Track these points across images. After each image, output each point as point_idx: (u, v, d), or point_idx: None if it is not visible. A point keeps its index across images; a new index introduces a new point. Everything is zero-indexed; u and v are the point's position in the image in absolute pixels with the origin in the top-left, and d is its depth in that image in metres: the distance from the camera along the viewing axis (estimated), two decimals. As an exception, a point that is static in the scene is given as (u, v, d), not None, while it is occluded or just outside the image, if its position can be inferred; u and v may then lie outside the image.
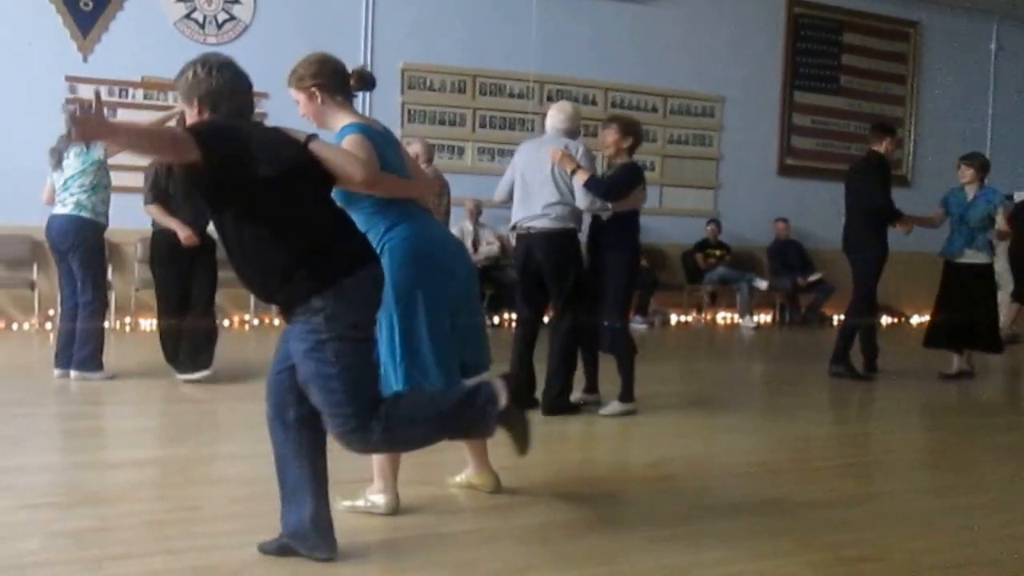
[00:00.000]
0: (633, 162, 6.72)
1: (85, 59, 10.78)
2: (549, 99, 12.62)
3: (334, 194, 3.73)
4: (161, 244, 7.44)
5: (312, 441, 3.57)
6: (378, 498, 4.15)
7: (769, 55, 14.38)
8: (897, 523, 4.41)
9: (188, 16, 11.13)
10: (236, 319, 11.09)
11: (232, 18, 11.25)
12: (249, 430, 4.32)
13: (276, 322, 10.11)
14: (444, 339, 4.08)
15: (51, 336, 9.87)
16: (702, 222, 13.69)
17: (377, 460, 4.13)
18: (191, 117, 3.52)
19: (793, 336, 13.06)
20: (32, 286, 10.45)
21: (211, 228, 7.20)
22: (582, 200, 6.41)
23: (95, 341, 7.27)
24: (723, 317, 13.80)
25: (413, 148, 9.01)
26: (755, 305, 13.54)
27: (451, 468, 4.69)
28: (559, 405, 6.51)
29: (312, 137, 3.63)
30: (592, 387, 6.85)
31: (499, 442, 5.10)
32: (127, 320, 10.66)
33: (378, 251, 3.80)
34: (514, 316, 11.87)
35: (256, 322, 11.04)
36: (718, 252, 13.57)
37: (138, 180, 7.74)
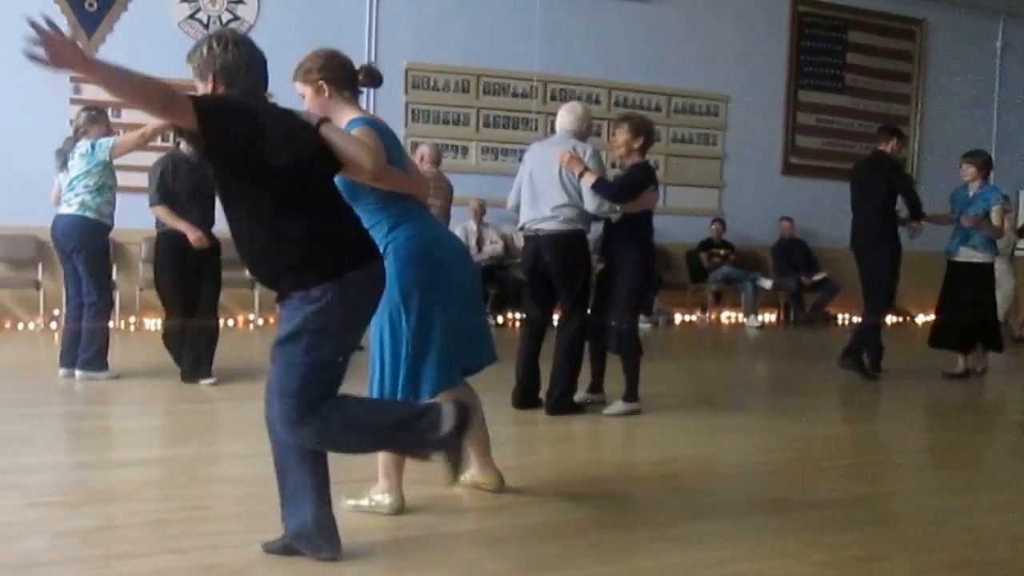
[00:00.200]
0: (644, 162, 6.69)
1: (90, 59, 10.78)
2: (553, 98, 12.65)
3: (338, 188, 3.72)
4: (167, 246, 7.37)
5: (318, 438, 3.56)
6: (382, 498, 4.16)
7: (774, 54, 14.38)
8: (902, 523, 4.41)
9: (192, 16, 11.15)
10: (240, 319, 11.11)
11: (236, 18, 11.26)
12: (253, 429, 4.30)
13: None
14: (448, 340, 4.09)
15: (56, 336, 9.89)
16: (706, 221, 13.69)
17: (382, 460, 4.13)
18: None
19: (798, 335, 13.05)
20: (37, 286, 10.47)
21: (216, 229, 7.24)
22: (590, 202, 6.40)
23: (100, 341, 7.28)
24: (727, 316, 13.80)
25: (421, 150, 9.05)
26: (760, 304, 13.54)
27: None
28: (563, 405, 6.51)
29: (324, 121, 3.60)
30: (597, 387, 6.86)
31: (502, 441, 5.12)
32: (132, 320, 10.69)
33: (382, 250, 3.80)
34: (518, 315, 12.00)
35: (260, 322, 11.06)
36: (722, 251, 13.57)
37: (143, 180, 7.73)
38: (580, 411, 6.57)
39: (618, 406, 6.58)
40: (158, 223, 7.43)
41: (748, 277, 13.43)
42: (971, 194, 8.65)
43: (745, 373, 9.71)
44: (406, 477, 4.19)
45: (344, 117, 3.99)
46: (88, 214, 7.21)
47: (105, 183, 7.28)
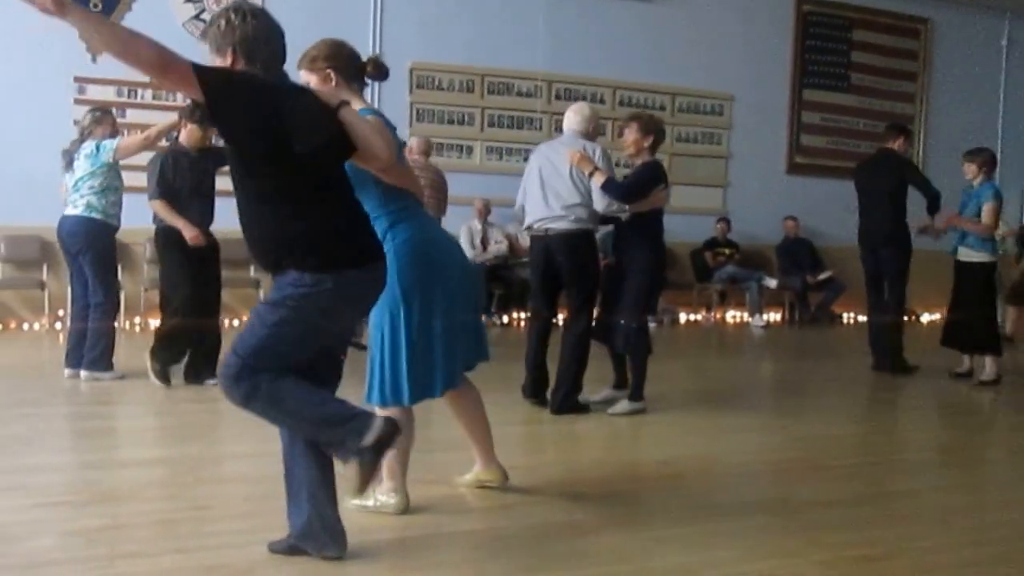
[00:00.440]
0: (654, 161, 6.68)
1: (94, 60, 10.79)
2: (558, 98, 12.65)
3: None
4: (168, 241, 7.19)
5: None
6: (388, 497, 4.16)
7: (778, 53, 14.36)
8: (906, 522, 4.40)
9: (197, 17, 11.15)
10: (244, 319, 11.10)
11: (241, 18, 11.25)
12: (258, 429, 4.29)
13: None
14: (448, 340, 4.09)
15: (61, 336, 9.90)
16: (711, 220, 13.68)
17: (387, 459, 4.13)
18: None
19: (803, 335, 13.04)
20: (42, 286, 10.49)
21: (213, 228, 7.23)
22: (599, 202, 6.40)
23: (106, 341, 7.29)
24: (733, 316, 13.79)
25: (410, 142, 9.06)
26: (765, 304, 13.52)
27: (460, 468, 4.69)
28: (568, 404, 6.51)
29: (343, 104, 3.57)
30: (623, 382, 6.83)
31: (507, 441, 5.12)
32: (136, 320, 10.70)
33: None
34: (523, 315, 12.01)
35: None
36: (727, 251, 13.56)
37: (145, 180, 7.71)
38: (585, 411, 6.57)
39: (623, 405, 6.58)
40: (156, 218, 7.24)
41: (753, 276, 13.41)
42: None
43: (750, 373, 9.71)
44: (410, 477, 4.19)
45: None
46: (94, 215, 7.21)
47: (110, 184, 7.28)
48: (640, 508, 4.61)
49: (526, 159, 6.85)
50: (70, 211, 7.25)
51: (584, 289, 6.50)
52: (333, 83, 3.93)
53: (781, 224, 14.03)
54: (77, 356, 7.30)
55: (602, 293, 6.75)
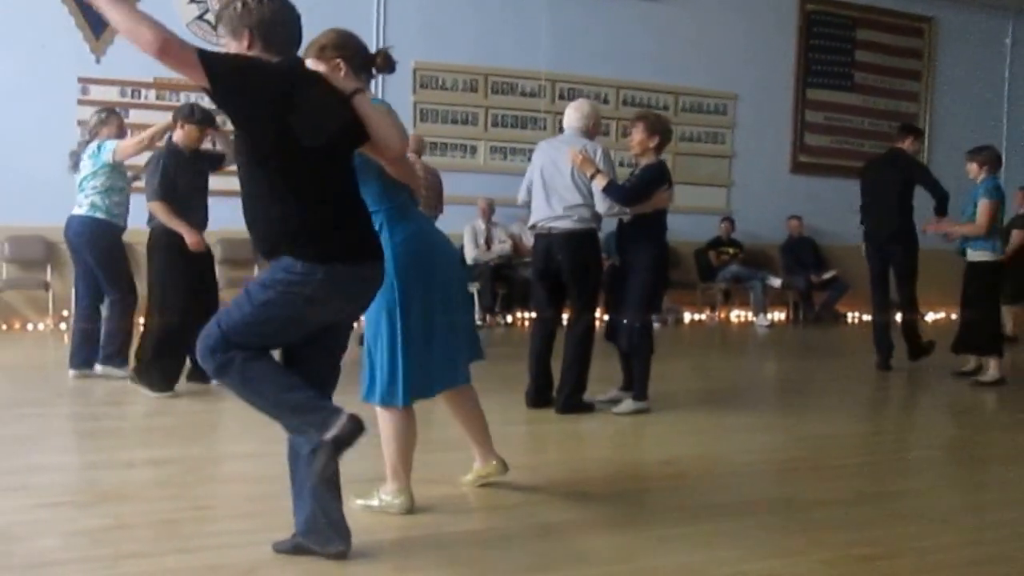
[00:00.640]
0: (659, 162, 6.65)
1: (98, 60, 10.83)
2: (561, 97, 12.65)
3: None
4: (166, 244, 6.92)
5: None
6: (392, 497, 4.16)
7: (782, 52, 14.36)
8: (910, 521, 4.40)
9: (200, 17, 11.17)
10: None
11: (244, 19, 11.26)
12: (262, 429, 4.30)
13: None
14: (444, 340, 4.09)
15: (65, 337, 9.91)
16: (715, 220, 13.68)
17: (390, 459, 4.13)
18: (238, 51, 3.42)
19: (807, 334, 13.03)
20: (46, 287, 10.50)
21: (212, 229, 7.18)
22: (601, 205, 6.39)
23: (121, 338, 7.29)
24: (737, 315, 13.79)
25: None
26: (769, 303, 13.52)
27: (463, 467, 4.69)
28: (572, 404, 6.51)
29: (358, 91, 3.56)
30: (630, 383, 6.82)
31: (512, 440, 5.13)
32: (140, 321, 10.69)
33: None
34: (527, 315, 12.00)
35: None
36: (731, 250, 13.55)
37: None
38: (590, 410, 6.56)
39: (627, 405, 6.57)
40: (150, 219, 7.01)
41: (757, 276, 13.41)
42: None
43: (754, 372, 9.71)
44: (415, 476, 4.19)
45: None
46: (98, 215, 7.23)
47: (114, 184, 7.29)
48: (643, 507, 4.61)
49: (530, 159, 6.84)
50: (76, 211, 7.28)
51: (586, 288, 6.49)
52: (342, 73, 3.86)
53: (785, 223, 14.03)
54: (81, 356, 7.31)
55: (607, 293, 6.74)
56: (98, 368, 7.25)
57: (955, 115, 15.03)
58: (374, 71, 3.97)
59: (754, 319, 13.44)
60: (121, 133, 7.46)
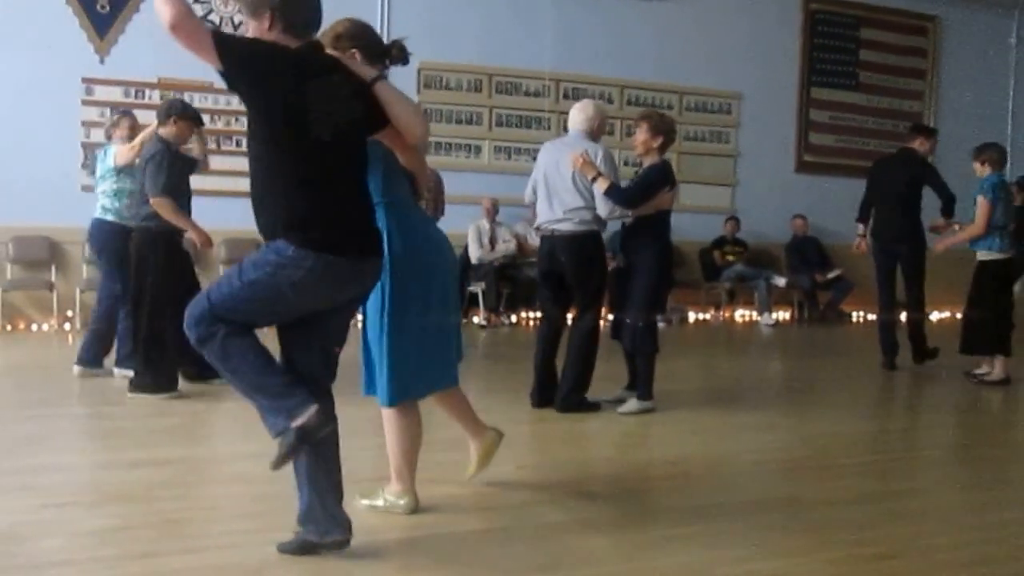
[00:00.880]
0: (662, 163, 6.63)
1: (102, 61, 10.84)
2: (565, 97, 12.65)
3: None
4: (163, 242, 6.80)
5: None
6: (396, 497, 4.16)
7: (786, 51, 14.35)
8: (915, 520, 4.40)
9: (204, 17, 11.16)
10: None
11: (248, 19, 11.27)
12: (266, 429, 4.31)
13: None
14: (439, 339, 4.08)
15: (70, 337, 9.95)
16: (719, 219, 13.66)
17: (395, 459, 4.13)
18: (257, 33, 3.42)
19: (812, 333, 13.01)
20: (50, 287, 10.49)
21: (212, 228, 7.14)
22: (602, 208, 6.38)
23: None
24: (741, 314, 13.77)
25: None
26: (773, 302, 13.50)
27: (467, 468, 4.69)
28: (572, 403, 6.50)
29: (379, 78, 3.57)
30: (634, 384, 6.81)
31: (516, 440, 5.12)
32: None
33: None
34: (531, 315, 12.02)
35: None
36: (733, 254, 13.51)
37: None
38: (593, 409, 6.56)
39: (632, 404, 6.57)
40: (142, 216, 6.84)
41: (761, 275, 13.39)
42: None
43: (759, 371, 9.69)
44: (419, 476, 4.19)
45: None
46: (108, 217, 7.27)
47: (123, 187, 7.32)
48: (648, 507, 4.61)
49: (534, 158, 6.84)
50: (95, 213, 7.36)
51: (590, 288, 6.49)
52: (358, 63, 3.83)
53: (789, 222, 14.01)
54: (89, 355, 7.33)
55: (611, 293, 6.74)
56: (115, 371, 7.25)
57: (960, 114, 15.00)
58: (388, 62, 3.95)
59: (758, 318, 13.42)
60: (133, 134, 7.47)
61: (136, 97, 10.90)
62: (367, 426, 4.75)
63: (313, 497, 3.56)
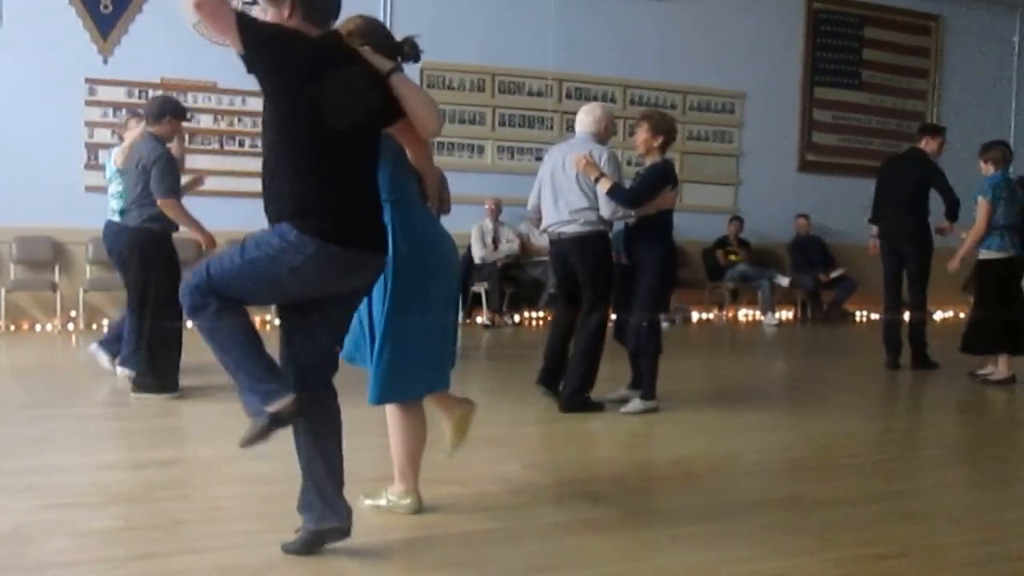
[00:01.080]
0: (664, 161, 6.65)
1: (105, 61, 10.84)
2: (568, 97, 12.66)
3: None
4: (160, 242, 6.85)
5: (319, 415, 3.59)
6: (400, 497, 4.16)
7: (789, 51, 14.34)
8: (920, 520, 4.39)
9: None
10: (257, 319, 11.11)
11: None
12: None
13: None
14: (438, 340, 4.07)
15: (73, 337, 9.96)
16: (723, 219, 13.66)
17: (398, 459, 4.13)
18: (276, 20, 3.41)
19: (816, 333, 13.01)
20: (54, 287, 10.50)
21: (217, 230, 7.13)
22: (605, 208, 6.40)
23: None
24: (745, 314, 13.77)
25: None
26: (777, 302, 13.49)
27: (471, 467, 4.69)
28: (576, 402, 6.50)
29: (395, 70, 3.58)
30: (638, 382, 6.81)
31: (520, 440, 5.12)
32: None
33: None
34: (534, 315, 12.03)
35: (277, 322, 11.04)
36: (735, 255, 13.49)
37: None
38: (597, 409, 6.55)
39: (636, 404, 6.57)
40: (141, 217, 6.81)
41: (765, 275, 13.38)
42: None
43: (762, 371, 9.69)
44: (423, 476, 4.19)
45: None
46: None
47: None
48: (652, 507, 4.61)
49: (537, 158, 6.88)
50: (107, 215, 7.36)
51: (596, 288, 6.49)
52: None
53: (793, 222, 14.01)
54: (109, 345, 7.36)
55: (615, 293, 6.74)
56: (118, 370, 7.26)
57: (963, 113, 14.98)
58: (399, 59, 3.94)
59: (762, 318, 13.41)
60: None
61: (139, 97, 10.89)
62: (370, 426, 4.75)
63: (310, 485, 3.58)
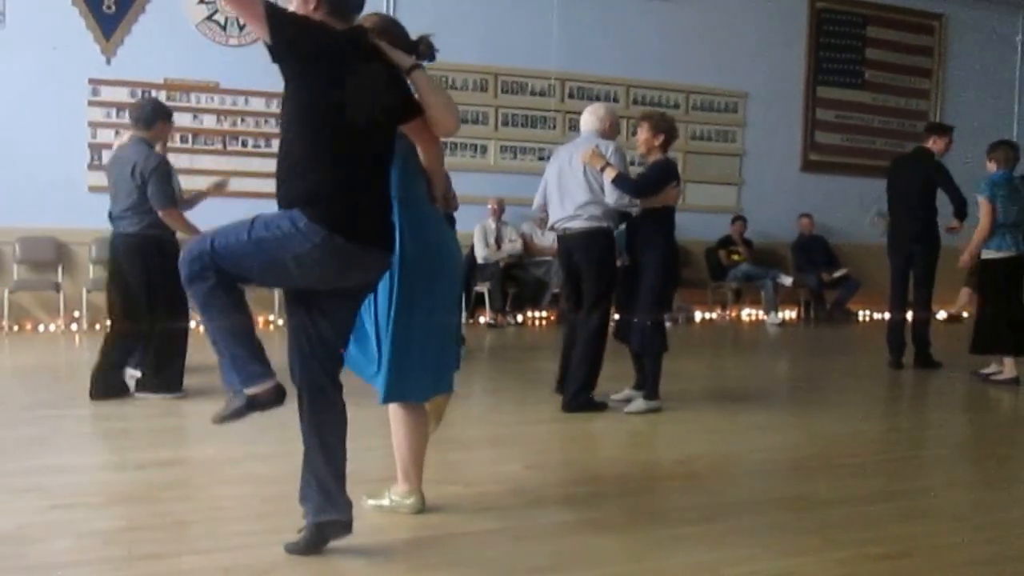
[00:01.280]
0: (666, 159, 6.69)
1: (108, 61, 10.85)
2: (571, 96, 12.65)
3: None
4: (156, 247, 6.79)
5: (315, 405, 3.59)
6: (403, 497, 4.15)
7: (792, 50, 14.34)
8: (923, 519, 4.39)
9: (210, 18, 11.18)
10: (260, 319, 11.12)
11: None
12: (275, 430, 4.33)
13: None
14: (440, 341, 4.06)
15: (77, 338, 9.96)
16: (726, 218, 13.66)
17: (401, 459, 4.13)
18: (302, 12, 3.42)
19: (819, 332, 13.00)
20: (57, 288, 10.51)
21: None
22: (610, 196, 6.42)
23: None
24: (748, 314, 13.76)
25: None
26: (780, 301, 13.49)
27: (475, 467, 4.69)
28: (578, 402, 6.50)
29: (416, 67, 3.60)
30: (643, 382, 6.80)
31: (523, 440, 5.12)
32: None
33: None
34: (537, 314, 12.03)
35: (281, 322, 11.06)
36: (737, 255, 13.49)
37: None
38: (600, 409, 6.55)
39: (639, 404, 6.57)
40: (140, 223, 6.75)
41: (768, 274, 13.38)
42: None
43: (766, 370, 9.68)
44: (426, 476, 4.19)
45: None
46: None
47: None
48: (656, 506, 4.60)
49: (540, 158, 6.90)
50: None
51: (597, 286, 6.50)
52: None
53: (796, 222, 14.01)
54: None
55: (617, 293, 6.74)
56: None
57: (966, 112, 14.96)
58: (415, 57, 3.94)
59: (765, 317, 13.41)
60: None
61: (142, 97, 10.90)
62: (374, 426, 4.75)
63: (308, 476, 3.58)
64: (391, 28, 3.91)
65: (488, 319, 11.78)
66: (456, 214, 5.77)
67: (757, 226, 13.80)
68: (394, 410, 4.06)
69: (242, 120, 11.30)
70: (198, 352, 7.83)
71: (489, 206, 11.97)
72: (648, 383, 6.61)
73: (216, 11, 11.19)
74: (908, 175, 8.99)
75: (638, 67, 13.18)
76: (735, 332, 12.78)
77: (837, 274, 13.69)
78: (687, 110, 13.57)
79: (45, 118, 10.38)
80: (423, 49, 3.91)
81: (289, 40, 3.28)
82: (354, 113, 3.33)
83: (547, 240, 11.72)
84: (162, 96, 10.87)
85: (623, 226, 6.77)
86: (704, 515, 4.31)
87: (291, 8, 3.44)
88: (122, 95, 10.84)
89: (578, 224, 6.51)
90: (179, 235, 6.89)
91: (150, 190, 6.65)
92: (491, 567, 3.63)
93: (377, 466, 4.48)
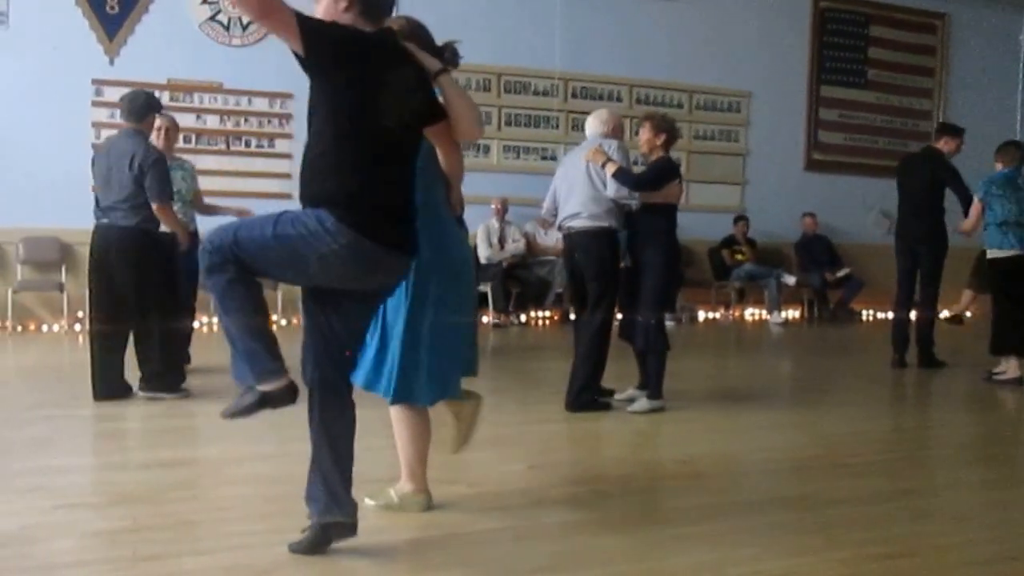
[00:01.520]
0: (667, 158, 6.72)
1: (111, 62, 10.87)
2: (574, 96, 12.65)
3: None
4: (154, 247, 6.79)
5: (327, 404, 3.59)
6: (409, 496, 4.15)
7: (795, 49, 14.34)
8: (927, 519, 4.38)
9: (213, 18, 11.19)
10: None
11: (257, 20, 11.28)
12: (279, 430, 4.33)
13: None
14: (452, 345, 4.05)
15: (80, 338, 9.96)
16: (729, 218, 13.66)
17: (406, 459, 4.13)
18: (331, 13, 3.42)
19: (822, 332, 12.99)
20: (61, 288, 10.52)
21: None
22: (611, 189, 6.46)
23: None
24: (751, 313, 13.77)
25: None
26: (783, 301, 13.49)
27: (479, 467, 4.69)
28: (580, 402, 6.50)
29: (444, 71, 3.60)
30: (644, 383, 6.80)
31: (526, 440, 5.12)
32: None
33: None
34: (540, 314, 12.03)
35: (284, 323, 11.06)
36: (740, 254, 13.49)
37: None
38: (603, 408, 6.56)
39: (642, 403, 6.57)
40: (138, 219, 6.69)
41: (771, 274, 13.38)
42: None
43: (769, 370, 9.68)
44: (430, 476, 4.19)
45: None
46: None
47: None
48: (659, 506, 4.60)
49: (543, 158, 6.92)
50: None
51: (599, 285, 6.50)
52: None
53: (799, 221, 14.01)
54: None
55: (621, 293, 6.75)
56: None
57: (969, 111, 14.92)
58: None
59: (768, 317, 13.41)
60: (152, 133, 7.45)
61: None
62: (378, 426, 4.74)
63: (315, 476, 3.58)
64: (418, 31, 3.93)
65: (492, 319, 11.78)
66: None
67: (760, 226, 13.80)
68: (397, 410, 4.06)
69: (245, 120, 11.30)
70: (199, 353, 7.90)
71: (493, 206, 11.98)
72: (652, 382, 6.61)
73: (219, 11, 11.20)
74: (916, 174, 8.99)
75: (641, 67, 13.19)
76: (738, 332, 12.78)
77: (840, 274, 13.69)
78: (691, 110, 13.58)
79: (48, 118, 10.40)
80: (448, 55, 3.91)
81: (325, 53, 3.28)
82: (384, 116, 3.33)
83: (550, 240, 11.73)
84: (164, 97, 10.89)
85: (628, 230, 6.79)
86: (707, 515, 4.31)
87: (319, 8, 3.44)
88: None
89: (580, 222, 6.54)
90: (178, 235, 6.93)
91: (148, 183, 6.62)
92: (494, 567, 3.63)
93: (379, 467, 4.47)
